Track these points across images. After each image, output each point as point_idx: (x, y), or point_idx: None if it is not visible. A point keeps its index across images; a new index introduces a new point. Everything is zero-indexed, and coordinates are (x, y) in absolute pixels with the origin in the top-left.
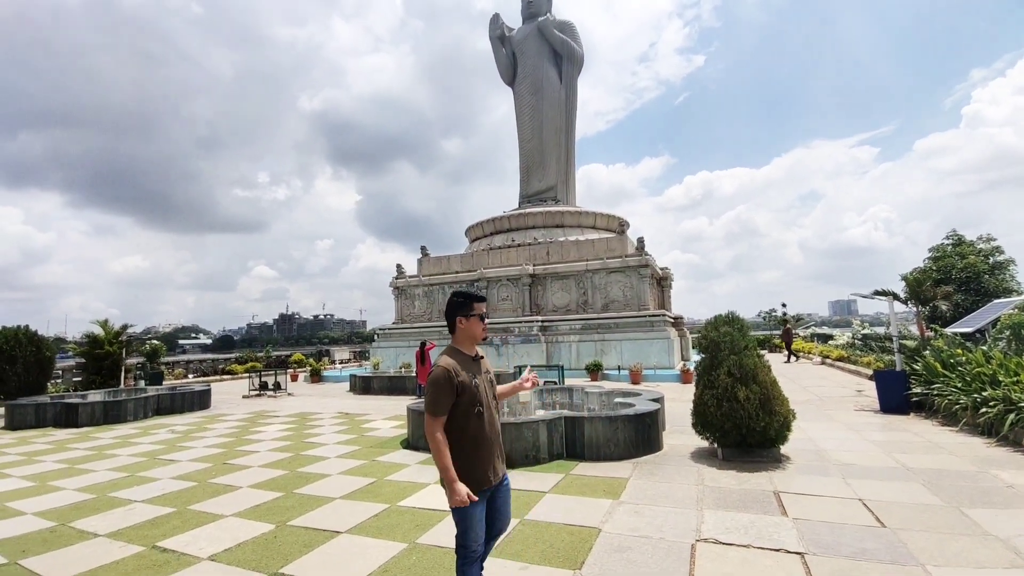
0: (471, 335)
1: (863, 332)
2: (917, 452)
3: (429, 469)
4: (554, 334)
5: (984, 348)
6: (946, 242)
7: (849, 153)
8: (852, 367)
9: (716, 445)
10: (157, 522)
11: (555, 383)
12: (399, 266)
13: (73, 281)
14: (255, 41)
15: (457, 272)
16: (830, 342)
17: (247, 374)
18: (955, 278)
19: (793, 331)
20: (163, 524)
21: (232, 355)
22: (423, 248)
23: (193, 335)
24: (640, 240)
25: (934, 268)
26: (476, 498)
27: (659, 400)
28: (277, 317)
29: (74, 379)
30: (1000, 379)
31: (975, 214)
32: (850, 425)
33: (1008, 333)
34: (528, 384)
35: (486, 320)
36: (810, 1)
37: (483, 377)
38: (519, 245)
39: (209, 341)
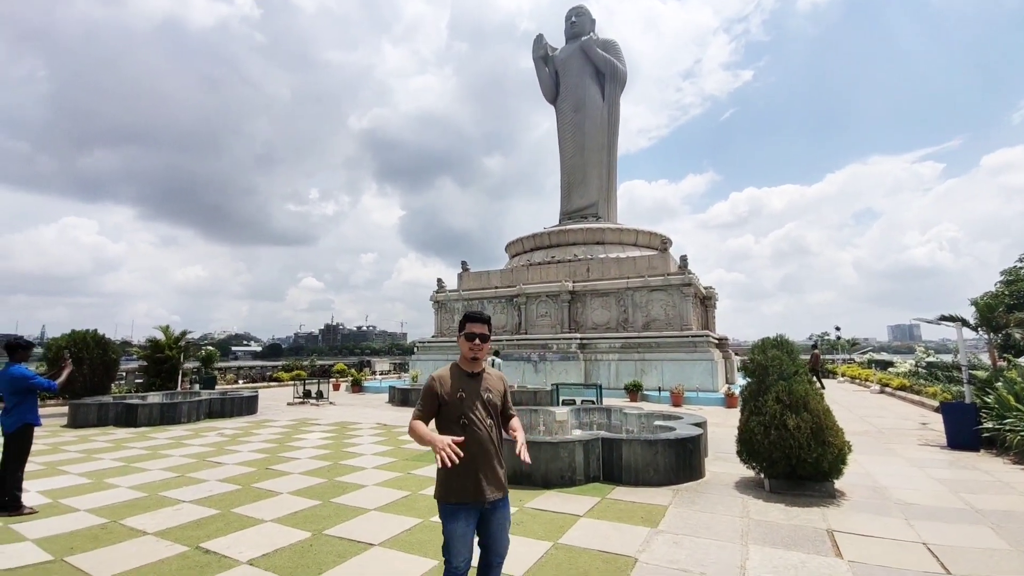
0: (462, 352)
1: (927, 360)
2: (987, 492)
3: None
4: (593, 352)
5: None
6: (1019, 265)
7: (910, 169)
8: (915, 397)
9: (763, 475)
10: (202, 523)
11: (593, 403)
12: (439, 280)
13: (140, 289)
14: (310, 65)
15: (496, 288)
16: (890, 369)
17: (292, 382)
18: None
19: (821, 356)
20: (207, 525)
21: (279, 363)
22: (463, 263)
23: (245, 342)
24: (683, 258)
25: (1006, 293)
26: (456, 450)
27: (702, 425)
28: (323, 327)
29: (136, 381)
30: None
31: None
32: (913, 461)
33: None
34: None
35: (478, 340)
36: (865, 13)
37: (477, 393)
38: (559, 261)
39: (259, 348)
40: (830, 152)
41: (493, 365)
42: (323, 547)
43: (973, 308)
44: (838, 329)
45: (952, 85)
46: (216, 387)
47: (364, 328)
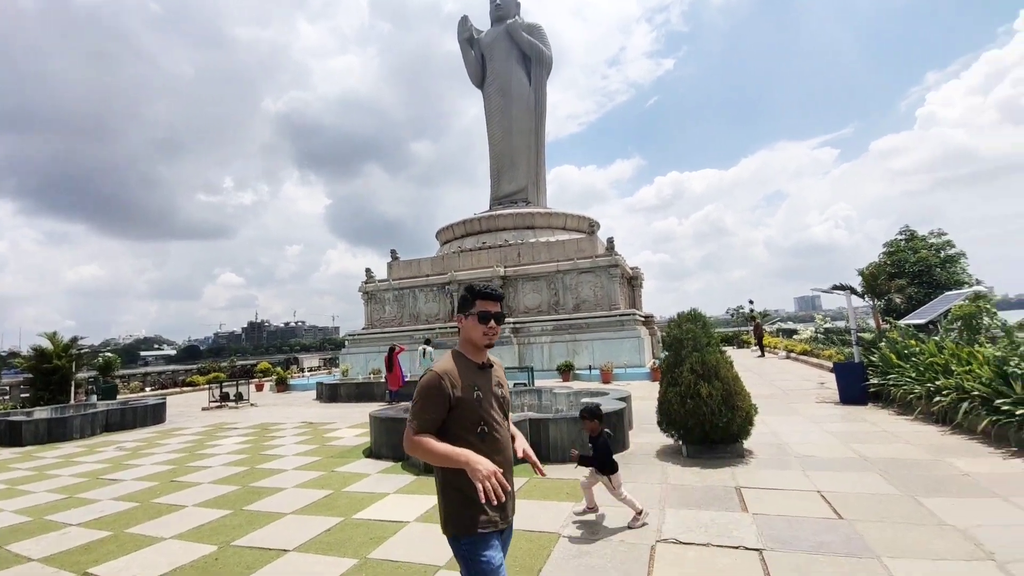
0: (468, 338)
1: (825, 326)
2: (874, 442)
3: (390, 478)
4: (526, 335)
5: (936, 339)
6: (899, 237)
7: (811, 154)
8: (815, 360)
9: (681, 442)
10: (91, 547)
11: (525, 385)
12: (368, 270)
13: (26, 292)
14: (216, 41)
15: (428, 275)
16: (794, 336)
17: (209, 385)
18: (908, 272)
19: (763, 327)
20: (97, 549)
21: (195, 366)
22: (393, 252)
23: (156, 346)
24: (610, 240)
25: (888, 263)
26: (504, 483)
27: (626, 399)
28: (246, 325)
29: (22, 395)
30: (953, 368)
31: (927, 211)
32: (811, 417)
33: (959, 324)
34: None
35: (493, 321)
36: (771, 8)
37: (491, 390)
38: (490, 247)
39: (173, 352)
40: (744, 138)
41: (424, 355)
42: (230, 559)
43: (860, 278)
44: (751, 302)
45: (847, 74)
46: (118, 397)
47: (292, 324)
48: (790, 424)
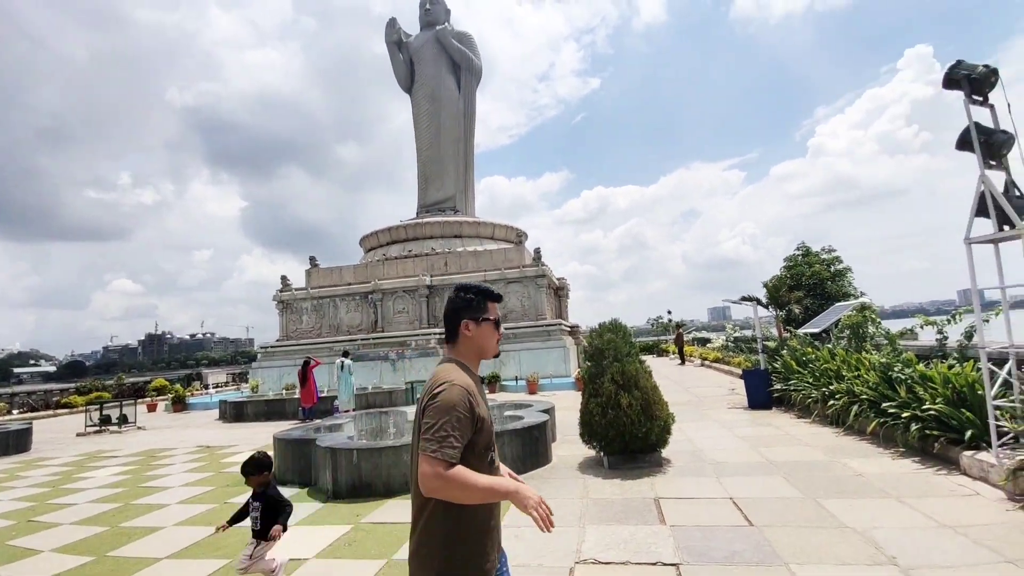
0: (480, 348)
1: (735, 335)
2: (778, 445)
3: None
4: None
5: (830, 346)
6: (797, 253)
7: (722, 175)
8: (726, 367)
9: (602, 454)
10: None
11: None
12: (284, 278)
13: None
14: (114, 22)
15: (350, 284)
16: (708, 345)
17: (87, 407)
18: (804, 284)
19: (685, 336)
20: None
21: (73, 384)
22: (312, 259)
23: (33, 362)
24: (537, 251)
25: (788, 276)
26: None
27: (549, 411)
28: (143, 338)
29: None
30: (844, 374)
31: (818, 232)
32: (723, 423)
33: (848, 332)
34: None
35: (501, 328)
36: (687, 37)
37: (489, 409)
38: (416, 256)
39: (53, 369)
40: (663, 157)
41: (343, 369)
42: None
43: (764, 289)
44: (669, 313)
45: (752, 103)
46: None
47: (200, 336)
48: (705, 430)
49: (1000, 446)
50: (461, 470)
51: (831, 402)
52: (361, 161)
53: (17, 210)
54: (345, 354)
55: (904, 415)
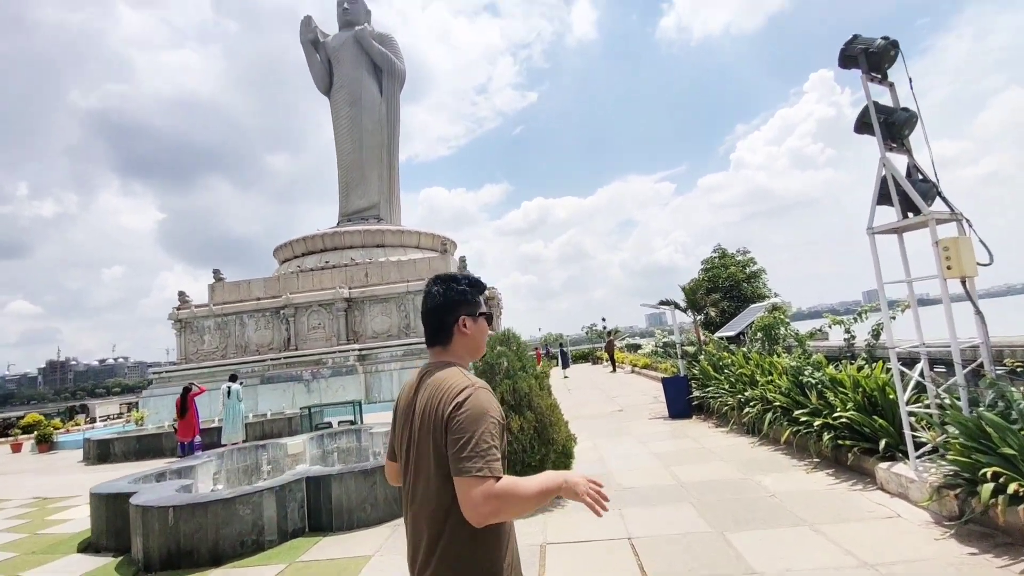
0: (475, 347)
1: (664, 340)
2: (692, 462)
3: None
4: (373, 363)
5: (744, 350)
6: (714, 255)
7: (654, 187)
8: (654, 373)
9: None
10: None
11: (352, 423)
12: (182, 294)
13: None
14: (11, 23)
15: (259, 299)
16: (639, 351)
17: None
18: (721, 287)
19: (616, 343)
20: None
21: None
22: (216, 272)
23: None
24: (462, 259)
25: (706, 279)
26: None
27: None
28: (44, 365)
29: None
30: (757, 379)
31: (741, 239)
32: (640, 437)
33: (760, 334)
34: None
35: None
36: (617, 54)
37: None
38: (334, 267)
39: None
40: (600, 169)
41: (230, 396)
42: None
43: (683, 293)
44: (604, 320)
45: (680, 118)
46: None
47: (111, 361)
48: (620, 447)
49: (918, 457)
50: (509, 481)
51: (746, 410)
52: (293, 171)
53: None
54: (232, 378)
55: (816, 423)
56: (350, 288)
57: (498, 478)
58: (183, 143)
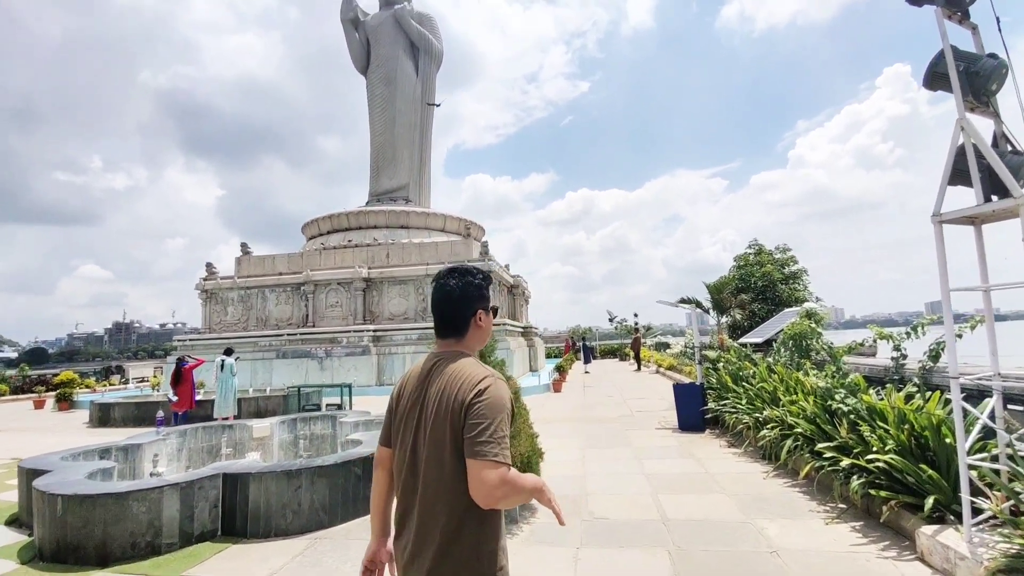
0: (485, 339)
1: (694, 341)
2: (688, 491)
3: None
4: (388, 344)
5: (770, 360)
6: (749, 251)
7: (704, 183)
8: (677, 376)
9: None
10: None
11: (339, 406)
12: (209, 265)
13: None
14: (89, 3)
15: (281, 274)
16: (667, 351)
17: None
18: (754, 287)
19: (642, 340)
20: None
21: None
22: (243, 245)
23: None
24: (484, 244)
25: (736, 277)
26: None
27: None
28: (111, 326)
29: None
30: (780, 397)
31: (796, 241)
32: (639, 451)
33: (790, 343)
34: None
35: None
36: (673, 46)
37: None
38: (356, 245)
39: (15, 355)
40: (648, 163)
41: (223, 369)
42: None
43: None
44: (636, 316)
45: (735, 114)
46: None
47: (171, 325)
48: (610, 462)
49: (975, 525)
50: (515, 471)
51: (763, 431)
52: (344, 154)
53: None
54: (227, 352)
55: (844, 463)
56: (369, 268)
57: (510, 466)
58: (243, 124)
